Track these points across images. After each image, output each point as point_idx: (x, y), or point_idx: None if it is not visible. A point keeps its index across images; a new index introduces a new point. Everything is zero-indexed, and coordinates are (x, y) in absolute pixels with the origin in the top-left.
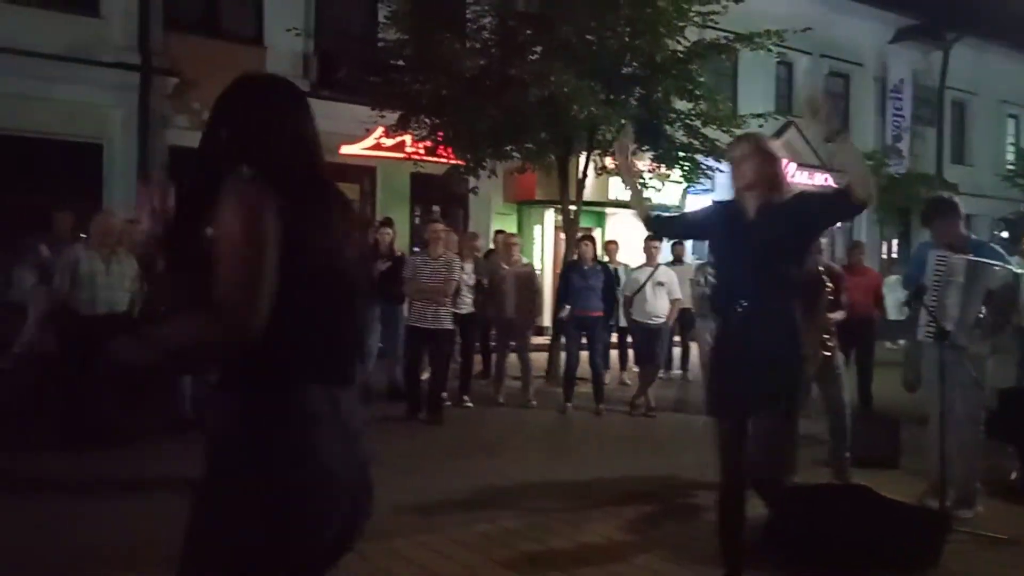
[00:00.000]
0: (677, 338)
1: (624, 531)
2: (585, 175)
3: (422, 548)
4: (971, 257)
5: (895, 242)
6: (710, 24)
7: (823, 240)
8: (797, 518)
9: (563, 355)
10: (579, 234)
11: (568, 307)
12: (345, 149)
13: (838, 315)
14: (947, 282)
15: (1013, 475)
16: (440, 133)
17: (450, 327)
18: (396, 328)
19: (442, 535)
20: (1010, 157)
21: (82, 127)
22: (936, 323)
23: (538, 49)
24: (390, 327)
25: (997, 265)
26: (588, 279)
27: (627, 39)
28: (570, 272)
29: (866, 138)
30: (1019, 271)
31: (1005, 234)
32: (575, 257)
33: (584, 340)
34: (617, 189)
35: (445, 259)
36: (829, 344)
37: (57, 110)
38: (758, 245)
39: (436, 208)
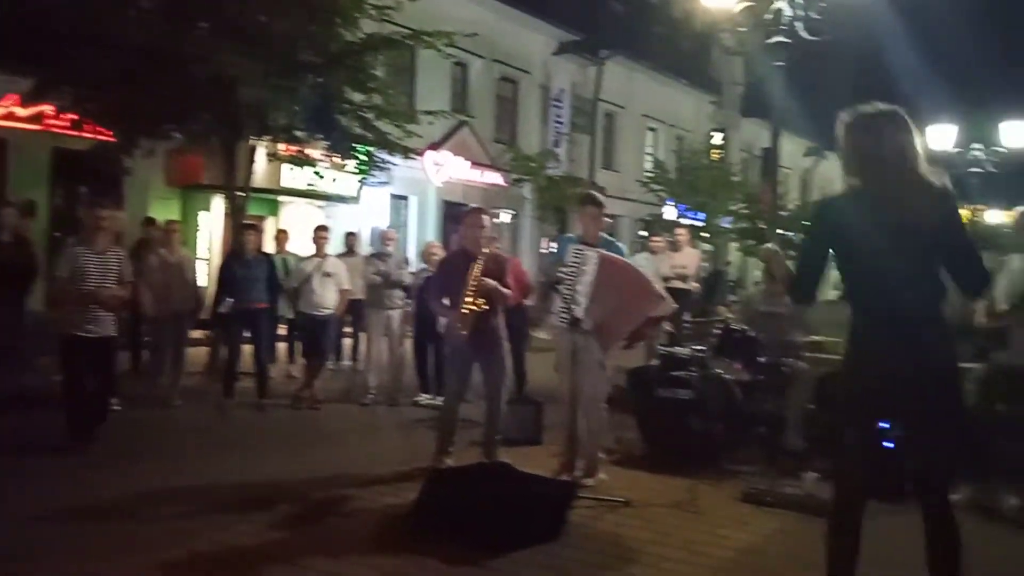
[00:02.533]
0: (349, 329)
1: (282, 529)
2: (253, 161)
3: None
4: (596, 250)
5: (551, 240)
6: (386, 18)
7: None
8: (443, 497)
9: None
10: (242, 224)
11: (230, 300)
12: None
13: (505, 290)
14: (579, 273)
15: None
16: (87, 105)
17: (114, 334)
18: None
19: (77, 547)
20: (648, 165)
21: None
22: (568, 310)
23: (205, 25)
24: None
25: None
26: (251, 269)
27: (301, 25)
28: (231, 263)
29: (531, 141)
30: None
31: (644, 233)
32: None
33: (248, 333)
34: (290, 177)
35: (114, 254)
36: (496, 328)
37: None
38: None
39: (84, 190)
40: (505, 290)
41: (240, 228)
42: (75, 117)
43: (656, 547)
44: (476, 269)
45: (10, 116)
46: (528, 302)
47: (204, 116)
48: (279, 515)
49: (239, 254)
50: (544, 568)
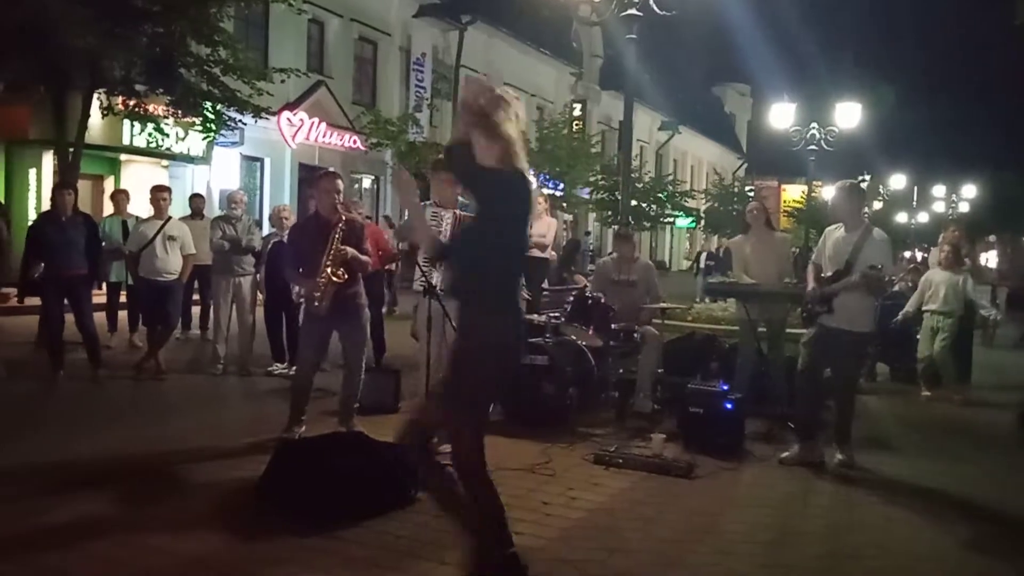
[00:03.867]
0: (196, 296)
1: (122, 505)
2: (88, 114)
3: None
4: (448, 211)
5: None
6: None
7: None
8: (293, 468)
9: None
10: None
11: (42, 264)
12: None
13: (365, 258)
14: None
15: None
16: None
17: None
18: None
19: None
20: None
21: None
22: (425, 277)
23: None
24: None
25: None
26: (66, 232)
27: None
28: (43, 225)
29: (392, 105)
30: None
31: None
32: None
33: (67, 301)
34: (131, 134)
35: None
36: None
37: None
38: None
39: None
40: (364, 257)
41: (55, 187)
42: None
43: (510, 510)
44: (335, 238)
45: None
46: (391, 268)
47: (21, 63)
48: (119, 492)
49: (53, 216)
50: (396, 536)
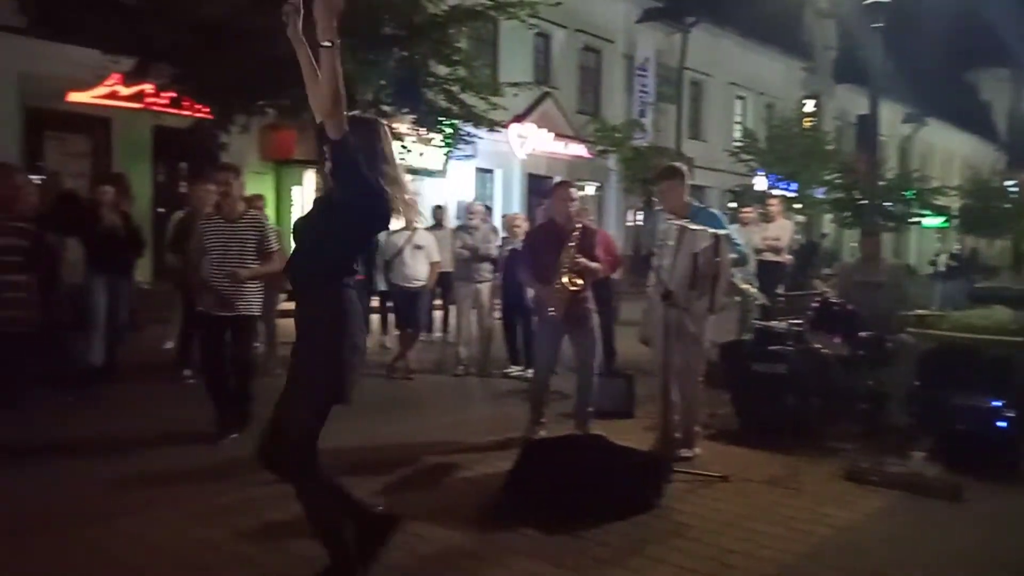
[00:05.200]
0: (438, 301)
1: (381, 494)
2: None
3: (154, 525)
4: (680, 222)
5: (640, 210)
6: None
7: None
8: (538, 467)
9: None
10: None
11: None
12: (74, 96)
13: (594, 265)
14: (666, 246)
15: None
16: (184, 84)
17: (257, 312)
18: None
19: (179, 510)
20: (737, 135)
21: None
22: (661, 283)
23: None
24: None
25: (699, 229)
26: None
27: None
28: None
29: (616, 111)
30: (718, 232)
31: (734, 204)
32: None
33: None
34: None
35: (250, 219)
36: (586, 301)
37: None
38: None
39: (183, 165)
40: (596, 264)
41: None
42: (174, 95)
43: (753, 522)
44: (570, 248)
45: (113, 95)
46: (616, 276)
47: (294, 91)
48: (377, 480)
49: None
50: (639, 540)
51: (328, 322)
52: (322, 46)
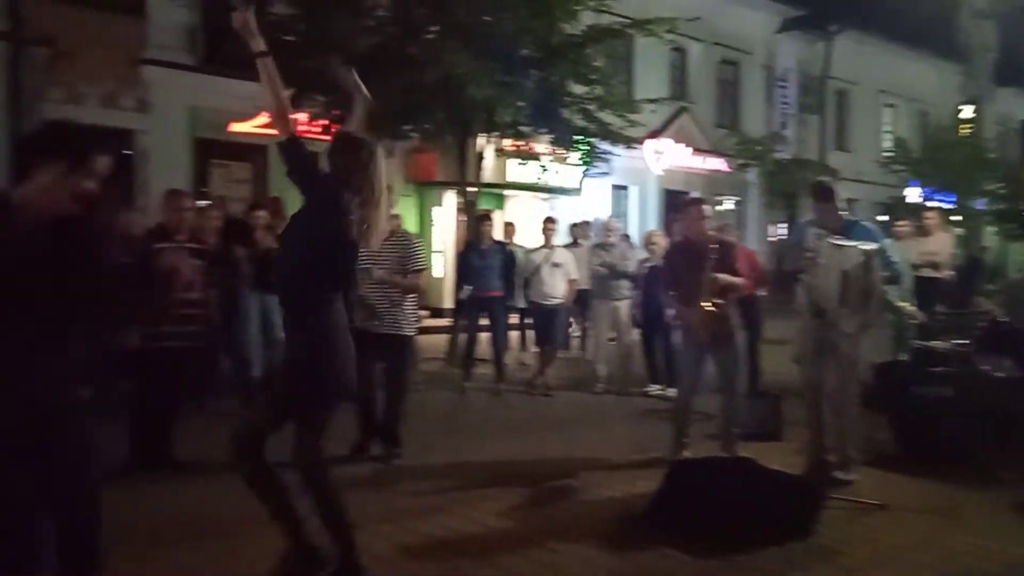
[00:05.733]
0: (577, 319)
1: (524, 510)
2: (483, 156)
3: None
4: (833, 240)
5: (782, 225)
6: (604, 9)
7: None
8: (685, 488)
9: (463, 335)
10: (479, 215)
11: (468, 287)
12: (236, 127)
13: (740, 281)
14: (816, 262)
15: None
16: (336, 112)
17: (410, 333)
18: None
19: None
20: (887, 144)
21: None
22: (812, 301)
23: (434, 29)
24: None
25: (849, 245)
26: (487, 259)
27: (523, 21)
28: (469, 252)
29: (756, 124)
30: (869, 248)
31: (885, 217)
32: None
33: (484, 320)
34: (516, 171)
35: (400, 238)
36: (729, 320)
37: None
38: None
39: None
40: (737, 280)
41: (478, 219)
42: (325, 123)
43: (913, 554)
44: (710, 270)
45: (270, 124)
46: (761, 292)
47: (438, 116)
48: (520, 497)
49: (476, 244)
50: (793, 568)
51: (300, 345)
52: (257, 57)
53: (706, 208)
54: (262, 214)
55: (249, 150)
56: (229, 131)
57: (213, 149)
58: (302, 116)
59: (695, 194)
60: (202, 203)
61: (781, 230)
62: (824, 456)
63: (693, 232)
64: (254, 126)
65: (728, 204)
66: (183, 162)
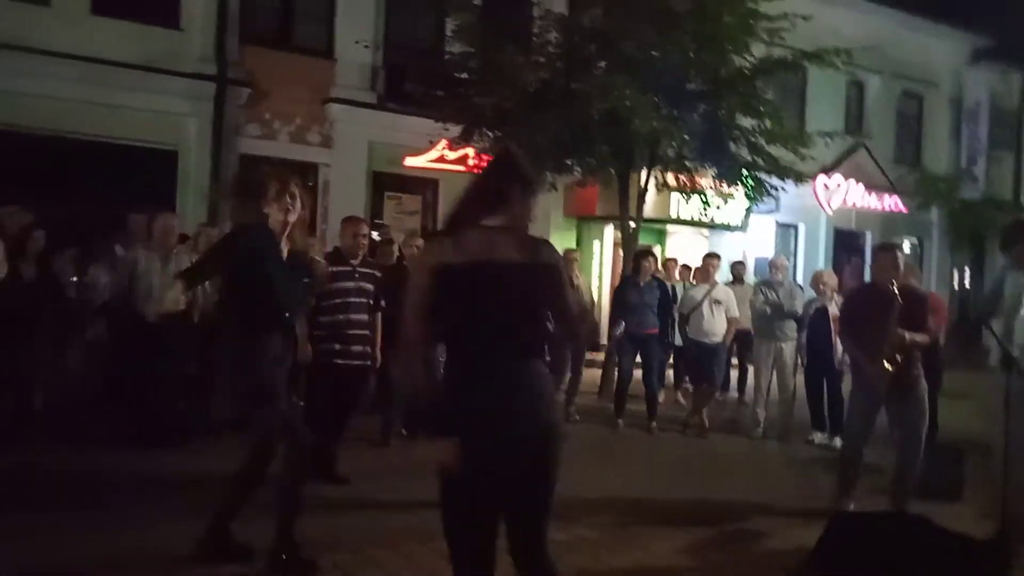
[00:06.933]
0: (734, 360)
1: (677, 551)
2: (646, 190)
3: (399, 558)
4: None
5: (967, 270)
6: (777, 41)
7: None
8: (850, 541)
9: (617, 371)
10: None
11: (623, 323)
12: (409, 161)
13: (920, 338)
14: (1012, 308)
15: None
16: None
17: None
18: None
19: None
20: None
21: (159, 134)
22: (1004, 350)
23: (602, 64)
24: None
25: None
26: (644, 295)
27: (691, 54)
28: (626, 288)
29: (939, 161)
30: None
31: None
32: (632, 272)
33: (639, 358)
34: (678, 206)
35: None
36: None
37: (136, 118)
38: None
39: None
40: (923, 337)
41: (638, 254)
42: (492, 158)
43: None
44: (895, 323)
45: (441, 159)
46: (940, 340)
47: (601, 149)
48: (673, 537)
49: (634, 280)
50: None
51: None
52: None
53: (899, 256)
54: (419, 243)
55: (420, 183)
56: (403, 165)
57: (387, 182)
58: (471, 151)
59: (870, 234)
60: (376, 235)
61: (966, 275)
62: (1014, 519)
63: (879, 279)
64: (427, 160)
65: (906, 246)
66: (360, 194)
